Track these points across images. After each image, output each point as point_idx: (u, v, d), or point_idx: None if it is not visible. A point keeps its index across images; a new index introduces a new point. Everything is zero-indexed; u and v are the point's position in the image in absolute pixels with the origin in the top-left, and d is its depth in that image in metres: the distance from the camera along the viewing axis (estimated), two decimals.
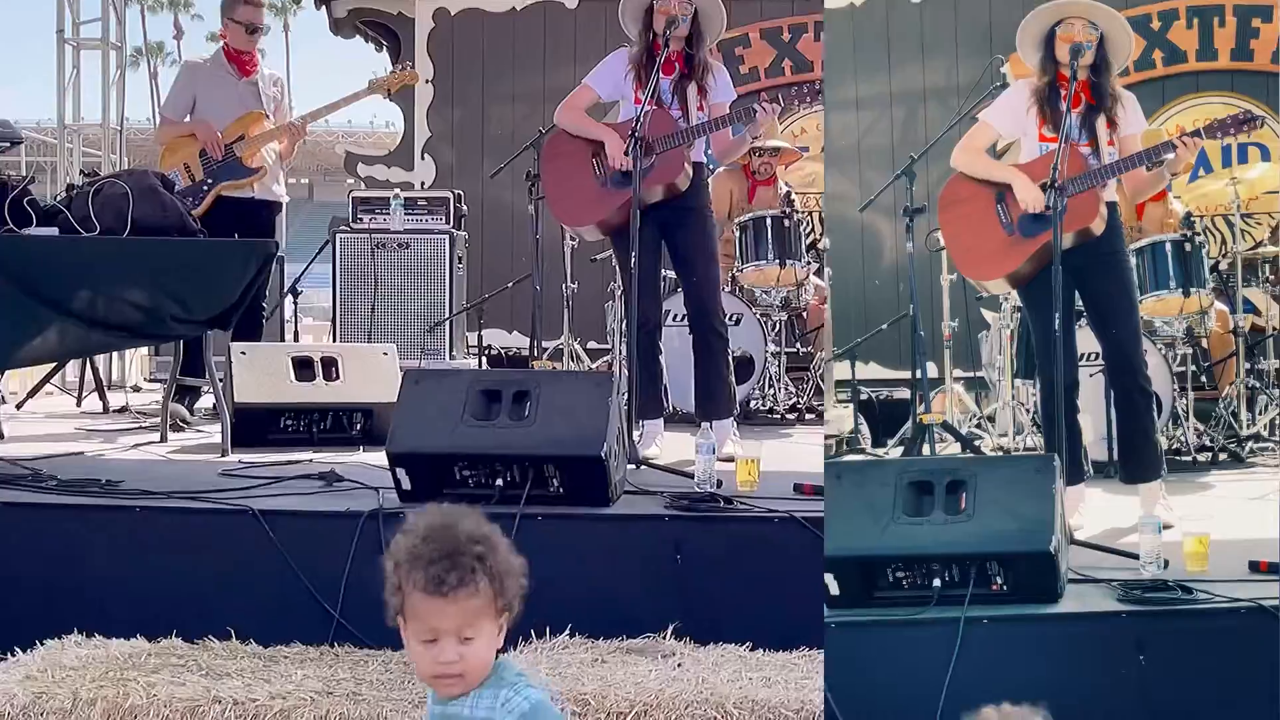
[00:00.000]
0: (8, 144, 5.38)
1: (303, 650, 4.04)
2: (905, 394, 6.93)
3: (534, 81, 9.75)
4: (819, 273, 7.62)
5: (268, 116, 7.01)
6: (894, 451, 6.74)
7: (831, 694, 3.62)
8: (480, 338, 8.15)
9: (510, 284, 8.03)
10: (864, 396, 7.27)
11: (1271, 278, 6.94)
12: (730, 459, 5.27)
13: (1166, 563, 4.06)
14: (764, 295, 7.36)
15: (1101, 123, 4.98)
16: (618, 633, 4.09)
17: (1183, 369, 6.49)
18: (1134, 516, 4.55)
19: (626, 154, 5.48)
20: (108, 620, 4.09)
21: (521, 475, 4.46)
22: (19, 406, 7.36)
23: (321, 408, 5.95)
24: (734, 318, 7.19)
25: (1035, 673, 3.68)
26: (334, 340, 7.77)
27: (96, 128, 9.91)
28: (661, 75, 5.61)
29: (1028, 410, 6.49)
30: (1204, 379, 6.86)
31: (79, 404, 7.59)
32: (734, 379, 6.00)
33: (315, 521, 4.47)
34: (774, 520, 4.43)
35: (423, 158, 10.04)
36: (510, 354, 8.96)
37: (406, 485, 4.53)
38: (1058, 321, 4.74)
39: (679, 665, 3.88)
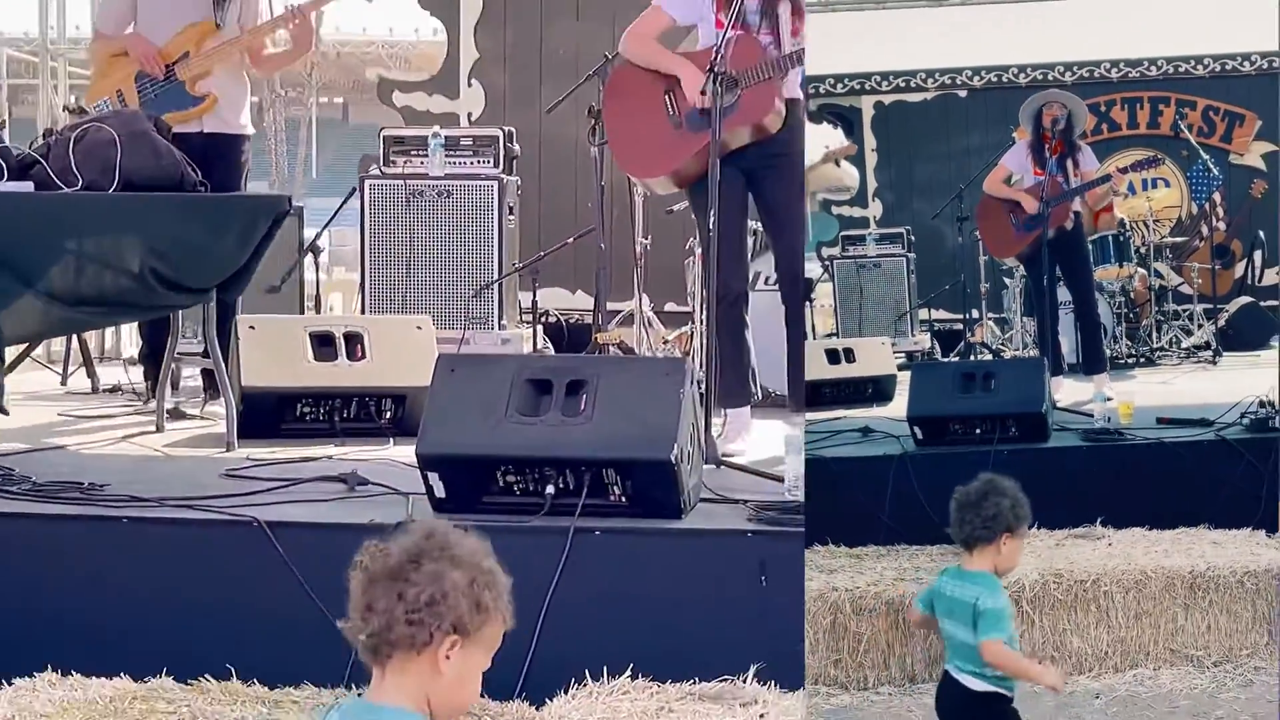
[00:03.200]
0: None
1: (315, 693, 4.09)
2: (960, 326, 11.54)
3: None
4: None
5: (220, 26, 6.74)
6: (953, 359, 10.82)
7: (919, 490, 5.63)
8: (534, 302, 8.10)
9: (571, 239, 7.99)
10: (936, 328, 11.78)
11: (1170, 256, 11.96)
12: None
13: (1109, 419, 6.97)
14: (1110, 285, 9.62)
15: (1070, 163, 8.78)
16: (688, 675, 4.09)
17: (1119, 310, 10.82)
18: (1091, 393, 8.11)
19: (704, 91, 5.43)
20: (87, 655, 4.14)
21: (577, 481, 4.46)
22: None
23: (344, 393, 5.98)
24: None
25: (1034, 481, 4.67)
26: (362, 309, 7.77)
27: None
28: None
29: (1029, 335, 10.45)
30: (1131, 315, 11.27)
31: (64, 382, 7.69)
32: None
33: (333, 535, 4.45)
34: None
35: (469, 84, 10.04)
36: (571, 321, 8.95)
37: (441, 492, 4.54)
38: (1045, 281, 8.70)
39: (761, 717, 3.87)
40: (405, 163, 7.88)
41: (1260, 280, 13.42)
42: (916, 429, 6.68)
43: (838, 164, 11.68)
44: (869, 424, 7.22)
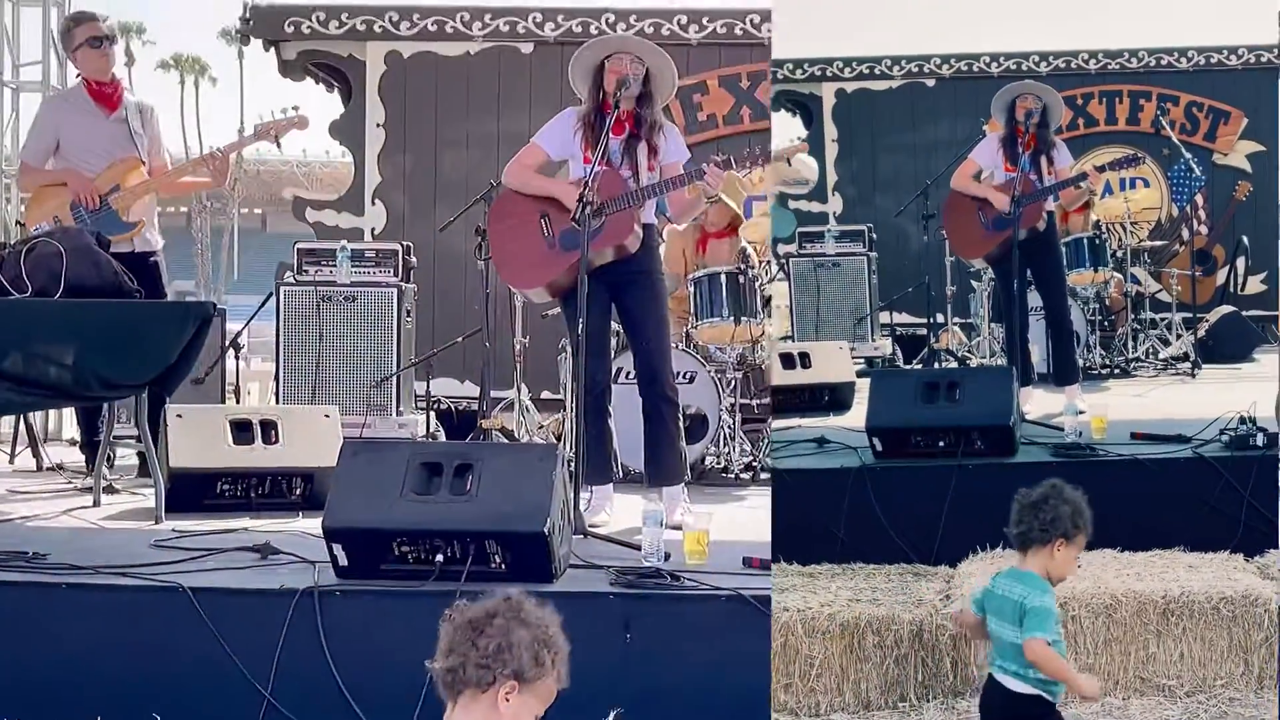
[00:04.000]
0: None
1: None
2: (923, 332, 10.51)
3: (488, 127, 9.77)
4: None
5: (143, 161, 6.73)
6: (916, 366, 10.11)
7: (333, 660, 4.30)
8: (429, 391, 8.08)
9: (461, 338, 7.99)
10: (898, 333, 11.00)
11: (1148, 261, 10.97)
12: (679, 527, 5.28)
13: (1081, 433, 6.30)
14: (719, 352, 7.48)
15: (1043, 160, 7.58)
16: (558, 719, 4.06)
17: (1093, 318, 9.95)
18: (1062, 405, 7.27)
19: (574, 217, 5.46)
20: (28, 707, 4.05)
21: (462, 551, 4.43)
22: None
23: (260, 472, 5.92)
24: (688, 375, 7.22)
25: (991, 502, 4.55)
26: (276, 398, 7.71)
27: None
28: (611, 135, 5.62)
29: (998, 342, 9.41)
30: (1106, 323, 10.32)
31: (11, 460, 7.51)
32: (685, 445, 5.99)
33: (248, 599, 4.42)
34: (721, 598, 4.41)
35: (373, 203, 9.99)
36: (460, 408, 8.92)
37: (344, 561, 4.50)
38: (1016, 286, 7.48)
39: None
40: (316, 271, 7.87)
41: (1243, 288, 12.29)
42: (876, 440, 6.05)
43: (789, 163, 10.32)
44: (825, 434, 6.54)
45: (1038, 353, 8.25)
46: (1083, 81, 12.91)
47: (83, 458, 6.99)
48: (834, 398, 8.04)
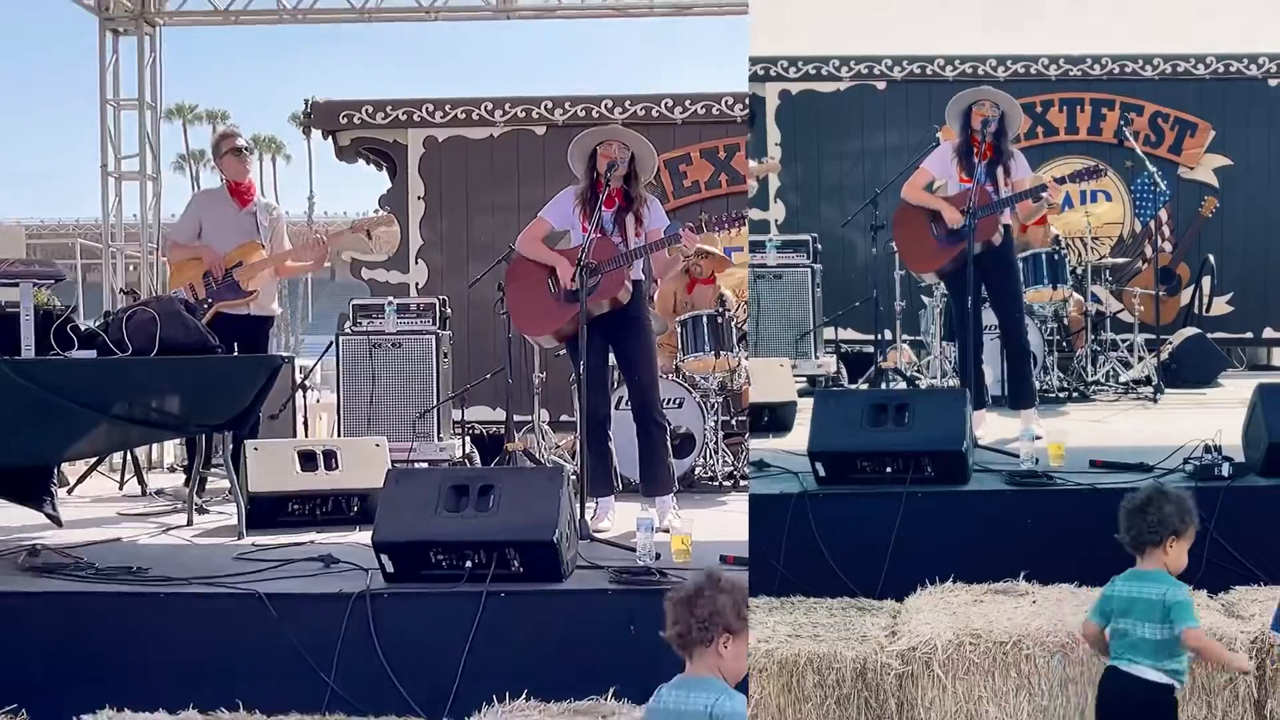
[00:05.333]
0: (51, 280, 5.43)
1: (300, 718, 4.08)
2: (870, 349, 8.97)
3: (510, 196, 9.86)
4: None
5: (264, 246, 7.14)
6: (862, 386, 8.63)
7: (383, 651, 4.32)
8: (464, 418, 8.19)
9: (488, 375, 8.09)
10: (844, 350, 9.38)
11: (1109, 279, 9.20)
12: (668, 530, 5.38)
13: (1037, 460, 5.38)
14: (703, 380, 7.50)
15: (1000, 171, 6.43)
16: (568, 697, 4.09)
17: (1051, 338, 8.45)
18: (1017, 430, 5.98)
19: (573, 279, 5.60)
20: (136, 696, 4.13)
21: (487, 558, 4.52)
22: (70, 491, 7.37)
23: (323, 494, 6.01)
24: (677, 401, 7.29)
25: (955, 527, 4.65)
26: (338, 429, 7.82)
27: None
28: (604, 208, 5.73)
29: (950, 362, 7.98)
30: (1064, 344, 8.78)
31: (121, 487, 7.61)
32: (673, 461, 6.07)
33: (313, 602, 4.52)
34: None
35: (416, 262, 10.07)
36: (490, 432, 9.01)
37: (390, 568, 4.60)
38: (970, 302, 6.36)
39: None
40: (368, 323, 8.00)
41: (1208, 309, 10.38)
42: (819, 465, 5.09)
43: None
44: (764, 457, 5.59)
45: (992, 374, 7.04)
46: (1043, 88, 10.75)
47: (182, 482, 7.15)
48: (774, 418, 7.01)
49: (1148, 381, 8.54)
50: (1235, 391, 8.01)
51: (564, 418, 8.70)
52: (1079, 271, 8.90)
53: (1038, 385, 7.41)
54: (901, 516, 4.91)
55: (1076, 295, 8.74)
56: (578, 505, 5.21)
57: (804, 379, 8.54)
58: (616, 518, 5.89)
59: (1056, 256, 8.29)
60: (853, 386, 8.88)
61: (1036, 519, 4.97)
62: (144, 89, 9.90)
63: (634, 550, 4.95)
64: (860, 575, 4.83)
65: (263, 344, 7.00)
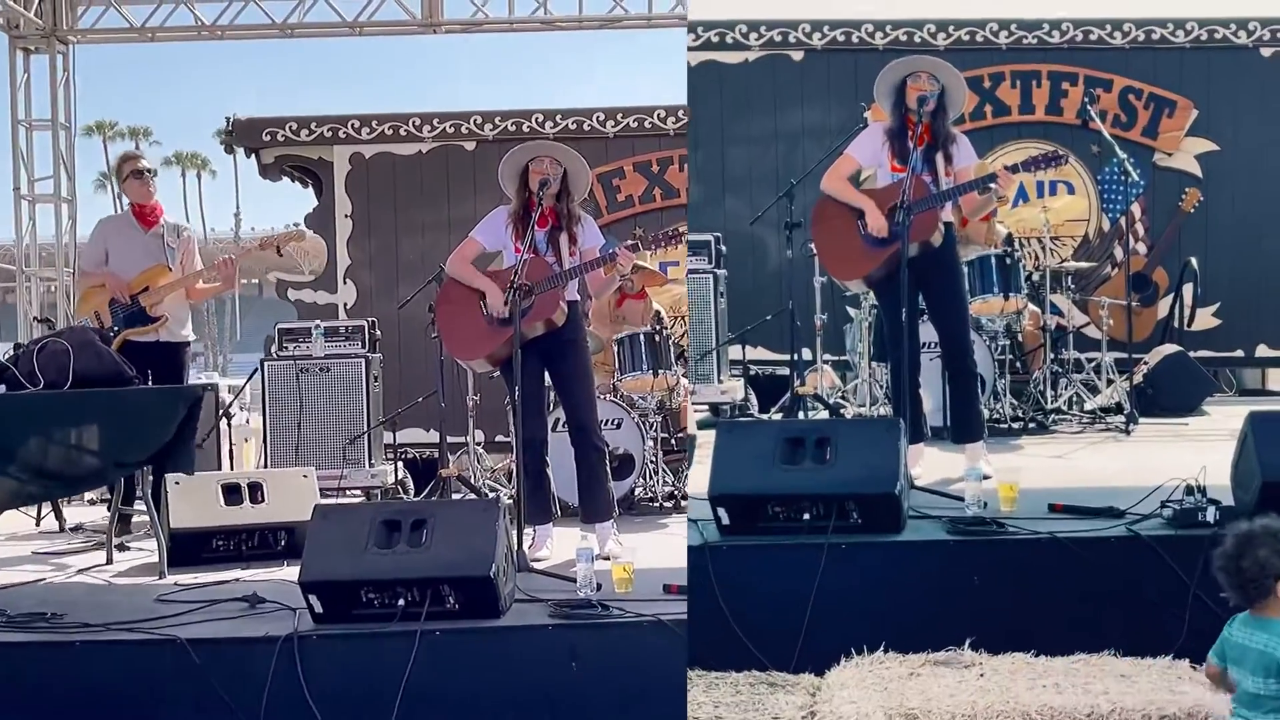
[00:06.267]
0: None
1: None
2: (785, 371, 7.69)
3: (440, 213, 9.70)
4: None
5: (171, 268, 6.88)
6: (775, 416, 7.45)
7: (723, 598, 4.15)
8: (395, 443, 8.01)
9: (420, 399, 7.90)
10: (752, 373, 8.06)
11: (1072, 287, 7.92)
12: (607, 557, 5.25)
13: (985, 504, 4.64)
14: (641, 400, 7.30)
15: (940, 158, 5.55)
16: None
17: (1002, 357, 7.27)
18: (961, 469, 5.12)
19: (506, 303, 5.45)
20: None
21: (421, 595, 4.36)
22: None
23: (248, 528, 5.81)
24: (615, 421, 7.16)
25: (885, 584, 4.17)
26: (265, 458, 7.61)
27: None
28: (537, 228, 5.59)
29: (880, 386, 7.15)
30: (1019, 365, 7.59)
31: (38, 524, 7.33)
32: (612, 484, 5.93)
33: (238, 647, 4.33)
34: (644, 624, 4.35)
35: (345, 282, 9.88)
36: (424, 456, 8.82)
37: (319, 609, 4.42)
38: (904, 315, 5.41)
39: None
40: (295, 347, 7.79)
41: (1191, 323, 8.69)
42: (722, 510, 4.40)
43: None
44: None
45: (931, 401, 6.08)
46: (991, 59, 9.06)
47: (103, 516, 6.89)
48: None
49: (1118, 409, 7.35)
50: (1223, 421, 7.04)
51: (500, 438, 8.55)
52: (1035, 278, 7.67)
53: (986, 414, 6.49)
54: (823, 573, 4.19)
55: (1033, 306, 7.52)
56: (515, 535, 5.05)
57: (705, 407, 7.56)
58: (556, 544, 5.73)
59: (1009, 260, 7.13)
60: (764, 416, 7.63)
61: (985, 575, 4.25)
62: (57, 109, 9.65)
63: (574, 581, 4.80)
64: (772, 644, 4.17)
65: (177, 372, 6.70)
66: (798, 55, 9.26)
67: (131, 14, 9.94)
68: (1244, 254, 9.18)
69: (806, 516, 4.37)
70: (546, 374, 5.81)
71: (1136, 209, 8.79)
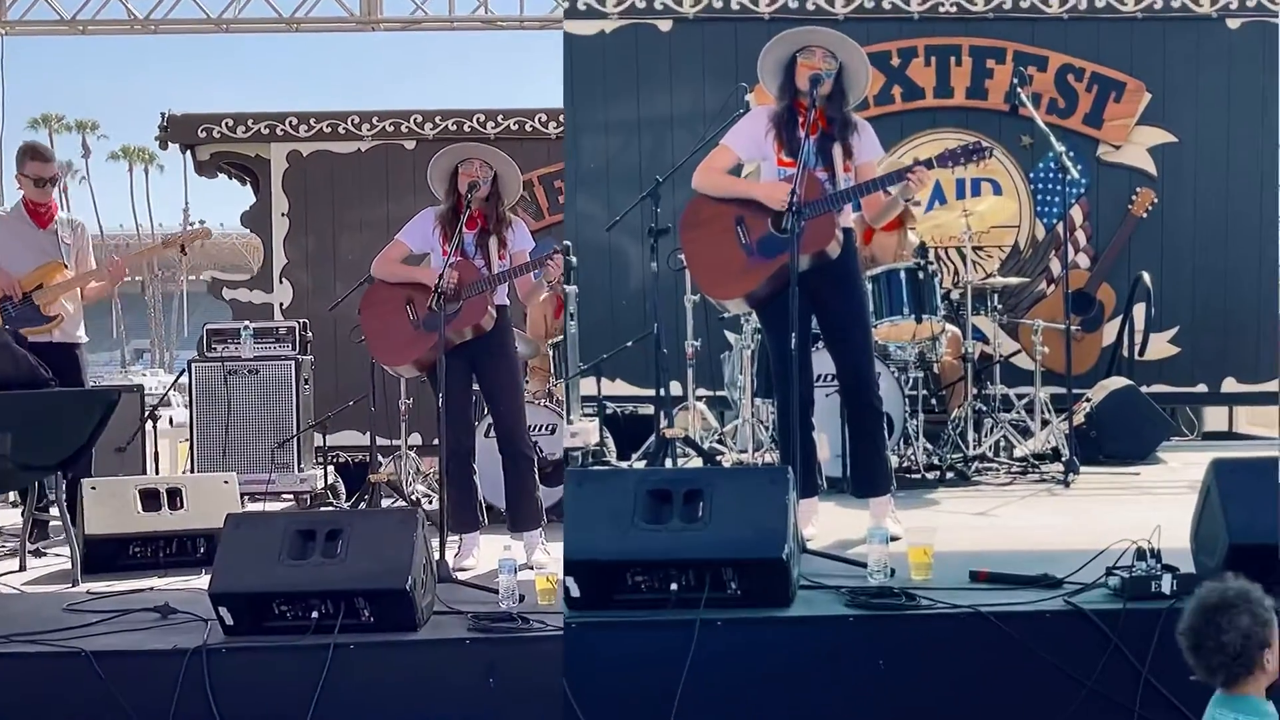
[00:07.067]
0: None
1: None
2: (649, 409, 6.45)
3: (379, 212, 9.59)
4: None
5: (66, 266, 6.60)
6: (637, 464, 6.18)
7: (570, 688, 3.54)
8: (325, 446, 7.90)
9: (351, 402, 7.79)
10: (610, 411, 6.70)
11: (1000, 308, 6.77)
12: (532, 567, 5.19)
13: (893, 571, 3.94)
14: (899, 351, 6.11)
15: (838, 150, 4.72)
16: None
17: (914, 392, 6.16)
18: (864, 528, 4.26)
19: (430, 306, 5.36)
20: None
21: (335, 608, 4.27)
22: None
23: (166, 535, 5.70)
24: (549, 427, 6.90)
25: (771, 670, 3.56)
26: (190, 462, 7.48)
27: None
28: (465, 230, 5.52)
29: (766, 427, 6.06)
30: (934, 402, 6.48)
31: None
32: (541, 492, 5.83)
33: (144, 660, 4.22)
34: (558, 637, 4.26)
35: (281, 281, 9.75)
36: (356, 459, 8.70)
37: (229, 621, 4.32)
38: (794, 341, 4.46)
39: None
40: (223, 348, 7.66)
41: (1144, 351, 7.44)
42: (571, 582, 3.84)
43: None
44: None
45: (828, 445, 5.38)
46: (901, 30, 7.51)
47: (20, 521, 6.72)
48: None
49: (1055, 456, 6.30)
50: (1181, 470, 6.26)
51: (434, 442, 8.41)
52: (955, 296, 6.57)
53: (895, 462, 5.59)
54: (694, 655, 3.52)
55: (952, 330, 6.44)
56: (435, 548, 4.97)
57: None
58: (483, 552, 5.65)
59: (922, 275, 6.10)
60: (622, 464, 6.37)
61: (893, 658, 3.60)
62: None
63: (496, 592, 4.71)
64: None
65: (74, 373, 6.43)
66: (665, 25, 7.71)
67: (62, 6, 9.77)
68: (1207, 268, 7.88)
69: (674, 586, 3.65)
70: (475, 380, 5.73)
71: (1077, 213, 7.59)
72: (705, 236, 4.83)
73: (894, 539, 4.23)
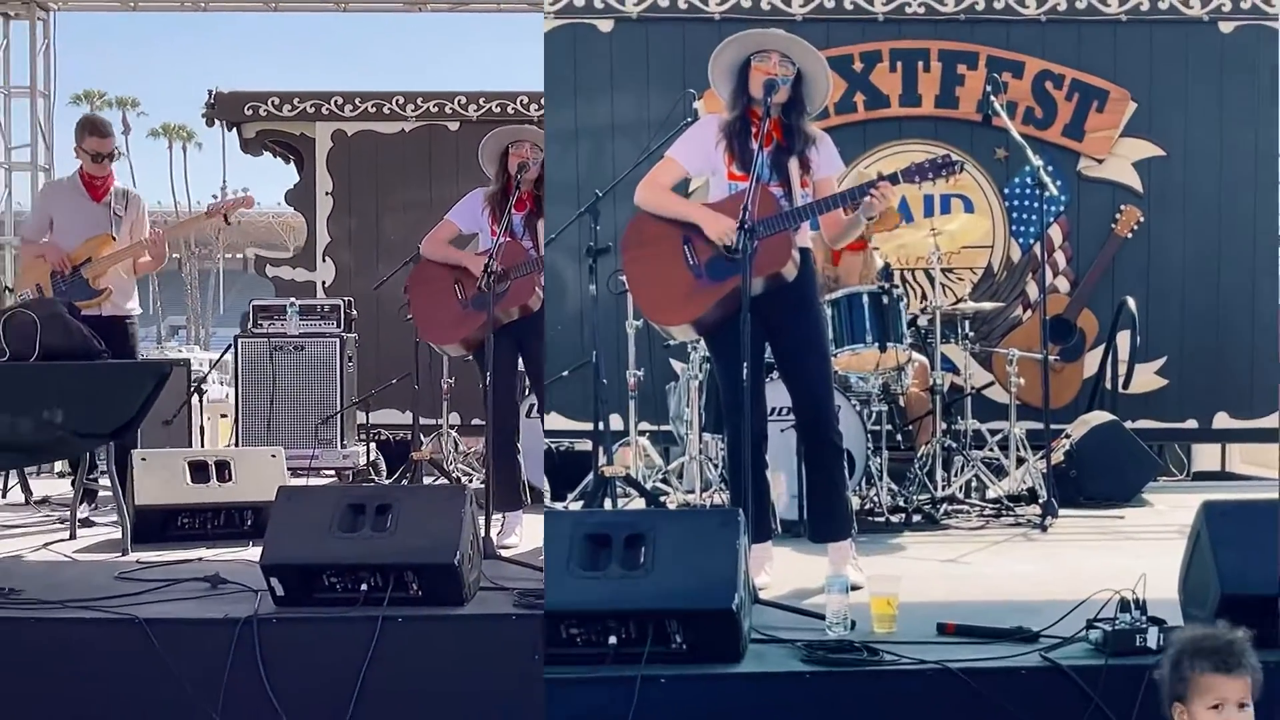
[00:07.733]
0: None
1: None
2: (587, 445, 6.02)
3: (421, 193, 9.67)
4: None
5: (115, 238, 6.59)
6: (574, 505, 5.79)
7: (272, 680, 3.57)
8: (368, 423, 7.99)
9: (394, 380, 7.86)
10: (544, 447, 6.37)
11: (971, 335, 6.24)
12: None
13: (854, 623, 3.65)
14: (860, 382, 5.72)
15: (794, 163, 4.35)
16: None
17: (877, 427, 5.69)
18: (823, 576, 3.97)
19: (481, 286, 5.40)
20: None
21: (384, 581, 4.30)
22: None
23: (215, 507, 5.76)
24: None
25: (442, 662, 3.62)
26: (235, 436, 7.57)
27: None
28: (514, 211, 5.56)
29: (716, 465, 5.58)
30: (899, 438, 6.01)
31: (3, 495, 7.25)
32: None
33: (197, 628, 4.27)
34: None
35: (324, 259, 9.86)
36: (397, 438, 8.78)
37: (280, 592, 4.36)
38: (746, 371, 4.06)
39: None
40: (269, 324, 7.76)
41: (1128, 383, 6.96)
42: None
43: None
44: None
45: (784, 486, 5.05)
46: (864, 33, 7.00)
47: (70, 490, 6.82)
48: None
49: (1031, 497, 5.85)
50: (1169, 514, 5.87)
51: (475, 421, 8.52)
52: (923, 323, 6.05)
53: (856, 504, 5.13)
54: (634, 716, 3.23)
55: (919, 359, 5.95)
56: (481, 524, 5.01)
57: None
58: (525, 531, 5.70)
59: (886, 300, 5.59)
60: (558, 506, 6.00)
61: (853, 719, 3.29)
62: (36, 76, 9.57)
63: (541, 570, 4.75)
64: None
65: (125, 346, 6.47)
66: (606, 25, 7.09)
67: None
68: (1197, 293, 7.33)
69: (613, 640, 3.30)
70: (521, 359, 5.78)
71: (1056, 233, 7.01)
72: (649, 257, 4.42)
73: (855, 588, 3.88)
